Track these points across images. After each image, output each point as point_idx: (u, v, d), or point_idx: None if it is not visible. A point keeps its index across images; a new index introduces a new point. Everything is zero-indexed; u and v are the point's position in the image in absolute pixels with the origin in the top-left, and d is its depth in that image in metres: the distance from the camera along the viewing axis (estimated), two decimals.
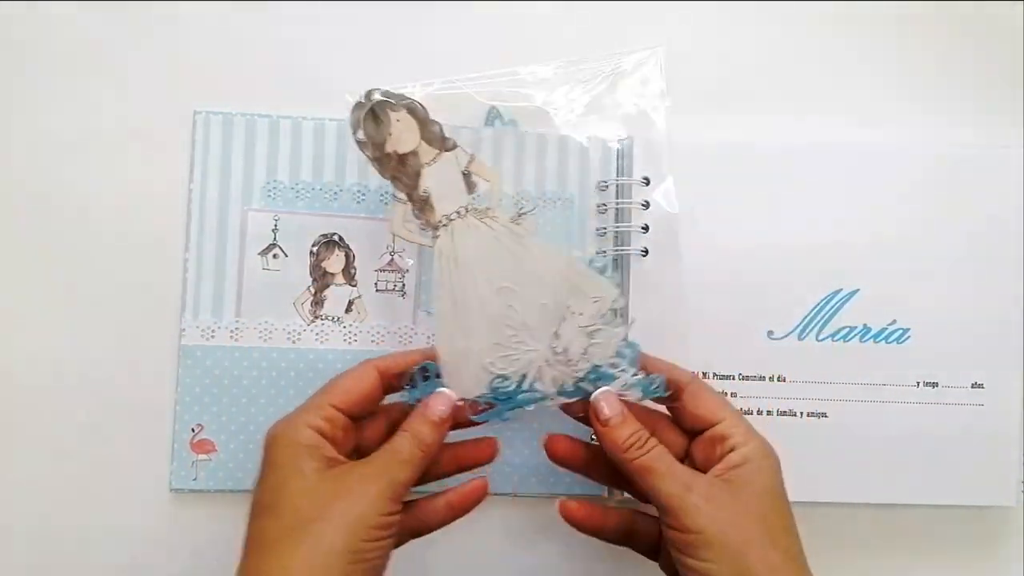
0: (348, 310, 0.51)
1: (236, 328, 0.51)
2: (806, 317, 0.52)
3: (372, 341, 0.51)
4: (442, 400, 0.42)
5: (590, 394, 0.43)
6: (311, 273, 0.51)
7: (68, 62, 0.52)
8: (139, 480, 0.51)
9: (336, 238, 0.51)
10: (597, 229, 0.52)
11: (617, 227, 0.52)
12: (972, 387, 0.53)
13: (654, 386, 0.44)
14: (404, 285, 0.52)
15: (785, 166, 0.52)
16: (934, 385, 0.52)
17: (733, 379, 0.52)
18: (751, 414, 0.52)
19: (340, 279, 0.51)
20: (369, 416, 0.44)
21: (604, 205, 0.52)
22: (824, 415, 0.52)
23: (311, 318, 0.51)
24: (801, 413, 0.52)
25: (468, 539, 0.52)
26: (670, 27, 0.54)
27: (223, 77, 0.52)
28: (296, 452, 0.40)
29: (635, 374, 0.44)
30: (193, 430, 0.50)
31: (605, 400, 0.43)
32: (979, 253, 0.53)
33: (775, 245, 0.52)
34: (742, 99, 0.55)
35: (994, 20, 0.56)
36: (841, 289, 0.52)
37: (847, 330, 0.52)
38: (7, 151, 0.51)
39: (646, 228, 0.51)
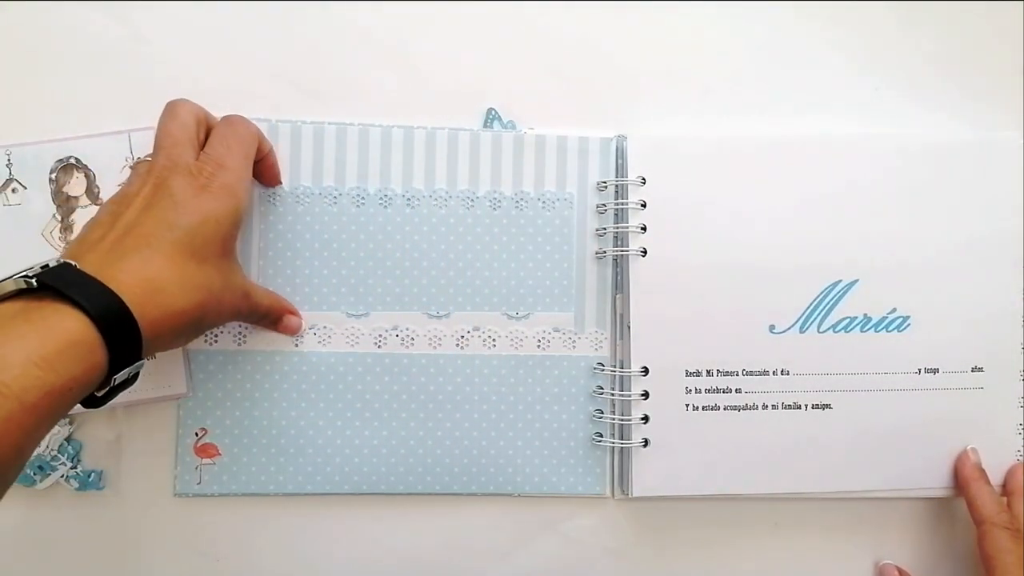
0: None
1: (239, 332, 0.51)
2: (807, 310, 0.52)
3: (375, 344, 0.51)
4: (298, 326, 0.51)
5: (34, 481, 0.49)
6: (54, 200, 0.50)
7: (67, 64, 0.52)
8: (143, 484, 0.51)
9: (72, 160, 0.50)
10: (597, 230, 0.53)
11: (616, 227, 0.52)
12: (972, 371, 0.53)
13: (91, 479, 0.50)
14: None
15: (781, 160, 0.53)
16: (935, 371, 0.52)
17: (737, 375, 0.52)
18: (756, 409, 0.52)
19: (85, 200, 0.51)
20: None
21: (604, 206, 0.52)
22: (828, 406, 0.52)
23: (63, 245, 0.50)
24: (806, 406, 0.52)
25: (468, 539, 0.52)
26: (668, 25, 0.55)
27: (221, 82, 0.52)
28: (234, 214, 0.44)
29: (73, 468, 0.50)
30: (197, 434, 0.50)
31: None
32: (977, 239, 0.53)
33: (773, 239, 0.52)
34: (738, 94, 0.55)
35: (991, 12, 0.56)
36: (840, 280, 0.52)
37: (848, 320, 0.52)
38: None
39: (644, 228, 0.52)
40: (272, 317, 0.50)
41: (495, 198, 0.52)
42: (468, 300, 0.52)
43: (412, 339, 0.52)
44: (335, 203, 0.51)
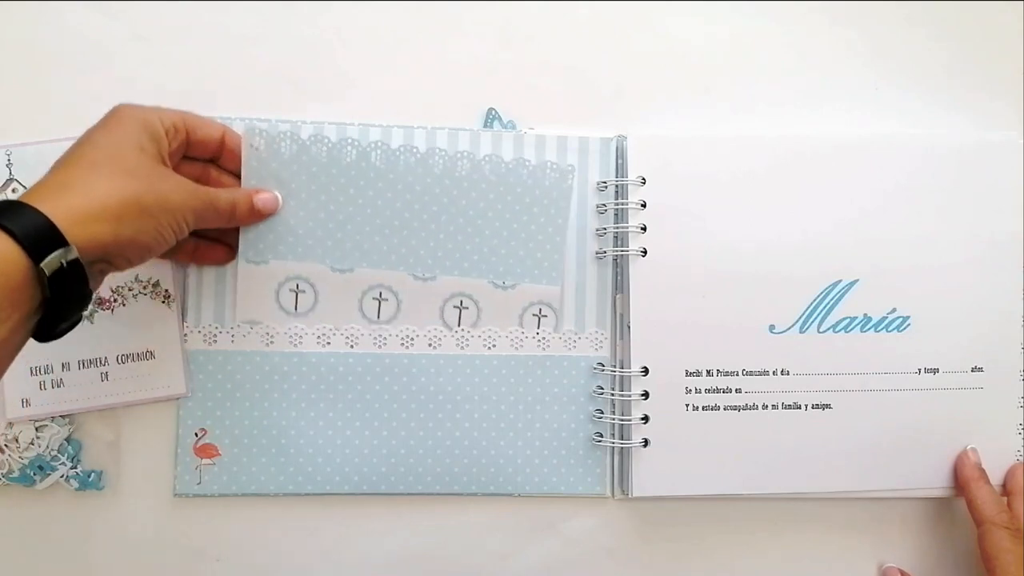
0: None
1: (239, 333, 0.51)
2: (807, 310, 0.52)
3: (375, 344, 0.51)
4: (273, 199, 0.49)
5: (34, 481, 0.49)
6: None
7: (67, 64, 0.52)
8: (142, 484, 0.51)
9: None
10: (597, 230, 0.53)
11: (616, 227, 0.52)
12: (972, 371, 0.53)
13: (91, 479, 0.50)
14: None
15: (781, 160, 0.53)
16: (935, 371, 0.53)
17: (737, 375, 0.52)
18: (756, 409, 0.52)
19: None
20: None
21: (604, 206, 0.52)
22: (828, 406, 0.52)
23: None
24: (806, 406, 0.52)
25: (468, 539, 0.52)
26: (668, 25, 0.55)
27: (221, 82, 0.52)
28: (141, 127, 0.43)
29: (73, 468, 0.50)
30: (196, 435, 0.50)
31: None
32: (977, 239, 0.53)
33: (774, 239, 0.52)
34: (738, 94, 0.55)
35: (991, 12, 0.56)
36: (840, 280, 0.52)
37: (848, 320, 0.52)
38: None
39: (644, 228, 0.52)
40: (242, 205, 0.48)
41: (495, 161, 0.51)
42: (456, 264, 0.51)
43: (412, 339, 0.52)
44: (326, 152, 0.50)
